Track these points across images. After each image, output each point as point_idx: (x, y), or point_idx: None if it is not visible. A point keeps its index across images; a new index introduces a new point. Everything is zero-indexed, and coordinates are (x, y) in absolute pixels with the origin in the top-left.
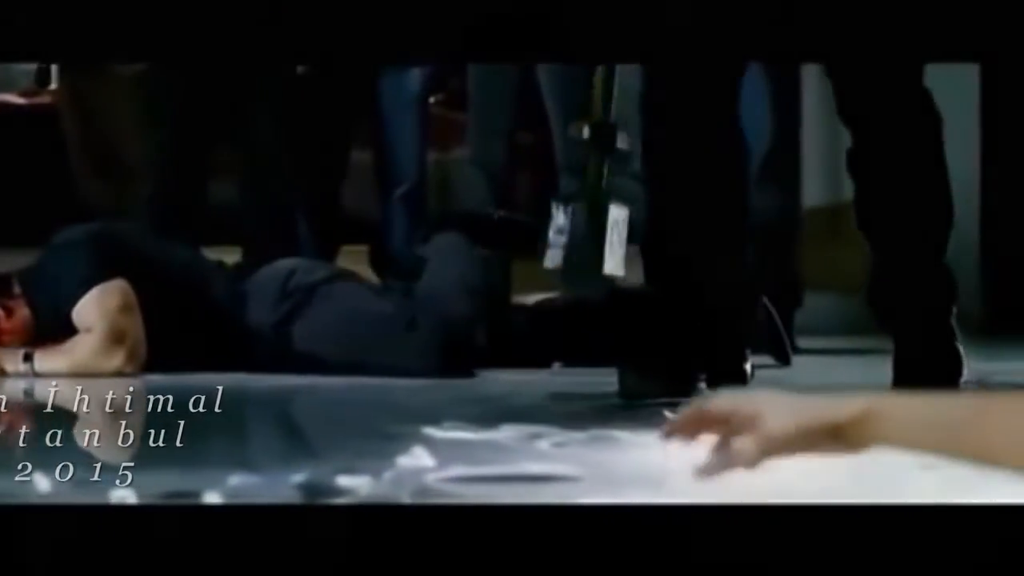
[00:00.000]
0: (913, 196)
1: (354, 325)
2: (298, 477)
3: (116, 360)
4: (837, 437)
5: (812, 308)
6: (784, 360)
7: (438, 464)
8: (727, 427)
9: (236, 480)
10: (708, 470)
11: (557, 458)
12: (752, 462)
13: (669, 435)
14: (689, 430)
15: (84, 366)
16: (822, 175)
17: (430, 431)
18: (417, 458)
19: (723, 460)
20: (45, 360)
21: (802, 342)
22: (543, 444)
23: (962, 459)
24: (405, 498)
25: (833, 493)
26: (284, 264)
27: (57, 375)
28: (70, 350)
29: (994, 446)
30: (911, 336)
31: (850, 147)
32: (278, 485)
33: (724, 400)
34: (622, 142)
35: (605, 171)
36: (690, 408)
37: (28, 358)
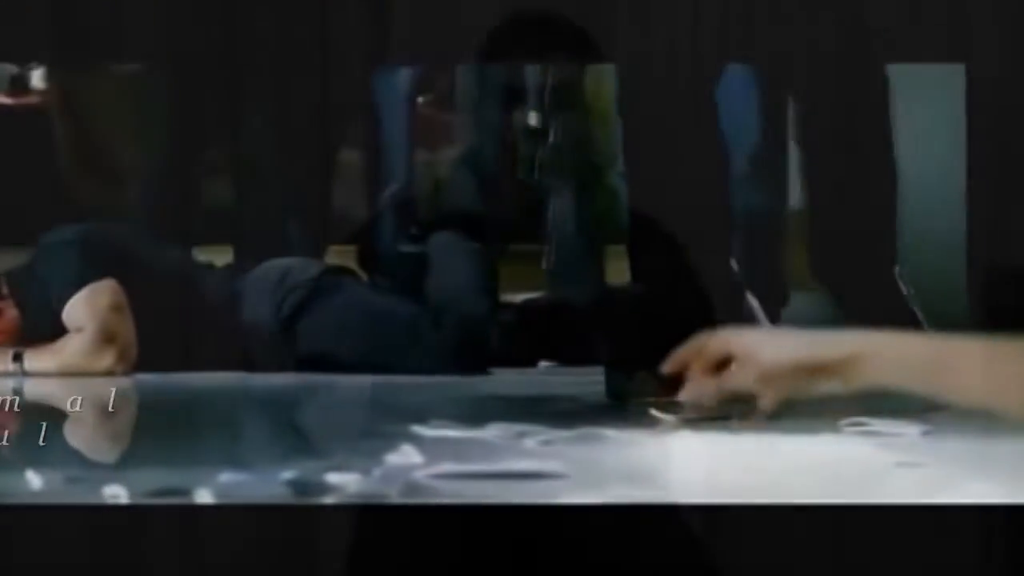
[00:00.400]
0: (854, 160)
1: (375, 324)
2: (288, 474)
3: (107, 360)
4: (830, 373)
5: (799, 307)
6: None
7: (426, 461)
8: (725, 362)
9: (226, 477)
10: (705, 397)
11: (544, 456)
12: (747, 392)
13: (670, 371)
14: (689, 365)
15: (74, 366)
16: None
17: (418, 429)
18: (406, 455)
19: (720, 389)
20: (35, 360)
21: None
22: (530, 442)
23: (946, 397)
24: (394, 495)
25: (813, 493)
26: (279, 263)
27: (47, 375)
28: (60, 349)
29: (972, 386)
30: (858, 295)
31: (794, 115)
32: (268, 482)
33: (722, 337)
34: (554, 136)
35: (538, 162)
36: (690, 344)
37: (18, 357)
